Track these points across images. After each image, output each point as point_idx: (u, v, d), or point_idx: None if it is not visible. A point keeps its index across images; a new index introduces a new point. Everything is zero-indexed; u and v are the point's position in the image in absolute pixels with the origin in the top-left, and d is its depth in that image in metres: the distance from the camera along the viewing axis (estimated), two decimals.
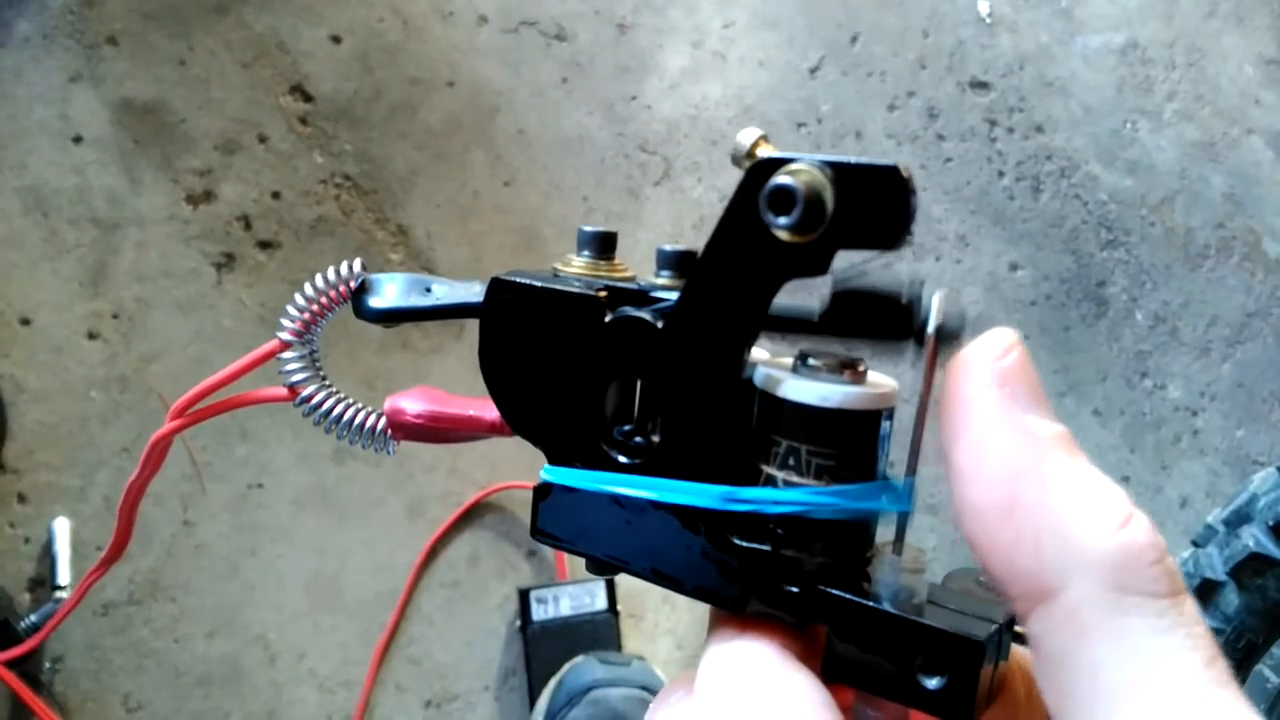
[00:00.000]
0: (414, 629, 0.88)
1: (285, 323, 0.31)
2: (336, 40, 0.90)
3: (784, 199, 0.23)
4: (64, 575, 0.81)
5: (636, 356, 0.26)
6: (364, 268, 0.30)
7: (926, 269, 1.01)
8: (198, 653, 0.84)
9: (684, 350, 0.25)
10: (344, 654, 0.86)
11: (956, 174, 1.02)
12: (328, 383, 0.31)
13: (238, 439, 0.85)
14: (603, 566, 0.27)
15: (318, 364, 0.31)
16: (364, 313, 0.31)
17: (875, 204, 0.22)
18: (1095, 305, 1.04)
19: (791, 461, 0.25)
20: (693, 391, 0.25)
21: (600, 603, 0.87)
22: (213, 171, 0.87)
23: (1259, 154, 1.08)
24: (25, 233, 0.83)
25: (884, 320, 0.25)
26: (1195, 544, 0.86)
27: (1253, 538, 0.81)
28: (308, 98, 0.89)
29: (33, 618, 0.78)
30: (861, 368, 0.25)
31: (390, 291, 0.30)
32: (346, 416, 0.31)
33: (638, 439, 0.27)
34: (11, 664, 0.74)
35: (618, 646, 0.87)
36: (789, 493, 0.24)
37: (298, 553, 0.86)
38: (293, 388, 0.31)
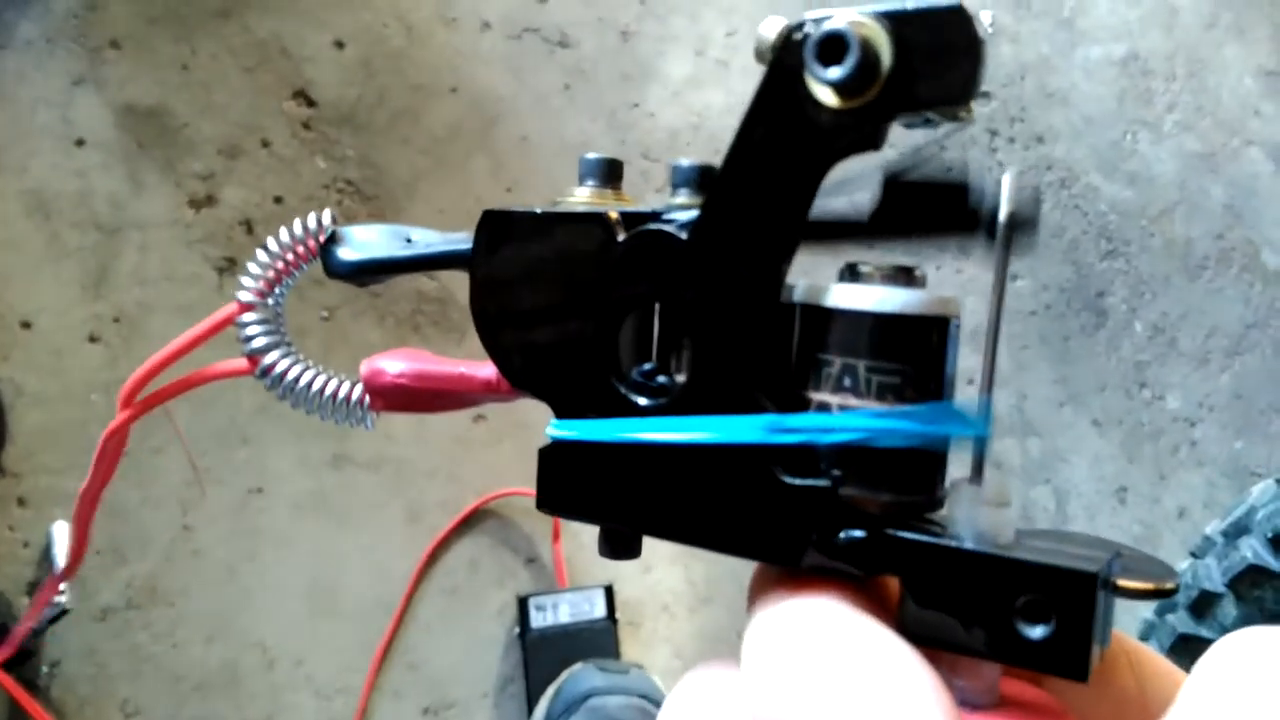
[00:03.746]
0: (412, 636, 0.88)
1: (246, 282, 0.27)
2: (340, 46, 0.90)
3: (835, 46, 0.19)
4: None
5: (657, 279, 0.22)
6: (334, 220, 0.27)
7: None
8: (196, 658, 0.84)
9: (714, 262, 0.22)
10: (342, 660, 0.86)
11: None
12: (294, 349, 0.28)
13: (238, 444, 0.85)
14: (619, 544, 0.24)
15: (282, 329, 0.28)
16: (334, 267, 0.27)
17: (938, 52, 0.19)
18: (1095, 315, 1.04)
19: (847, 382, 0.21)
20: (726, 311, 0.22)
21: (599, 610, 0.87)
22: (215, 176, 0.87)
23: (1259, 165, 1.08)
24: (27, 236, 0.83)
25: (946, 212, 0.22)
26: (1193, 555, 0.86)
27: (1251, 549, 0.81)
28: (311, 103, 0.89)
29: (30, 622, 0.78)
30: (919, 273, 0.22)
31: (364, 243, 0.27)
32: (316, 386, 0.27)
33: (660, 378, 0.23)
34: (7, 668, 0.74)
35: (616, 654, 0.87)
36: (848, 417, 0.21)
37: (297, 558, 0.86)
38: (253, 356, 0.27)
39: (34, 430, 0.83)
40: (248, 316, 0.27)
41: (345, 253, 0.27)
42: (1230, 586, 0.81)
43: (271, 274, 0.27)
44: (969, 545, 0.20)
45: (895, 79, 0.20)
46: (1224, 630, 0.82)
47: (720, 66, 0.98)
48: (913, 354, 0.21)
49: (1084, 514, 1.02)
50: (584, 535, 0.91)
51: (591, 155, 0.26)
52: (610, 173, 0.26)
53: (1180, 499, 1.03)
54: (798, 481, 0.21)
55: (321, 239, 0.27)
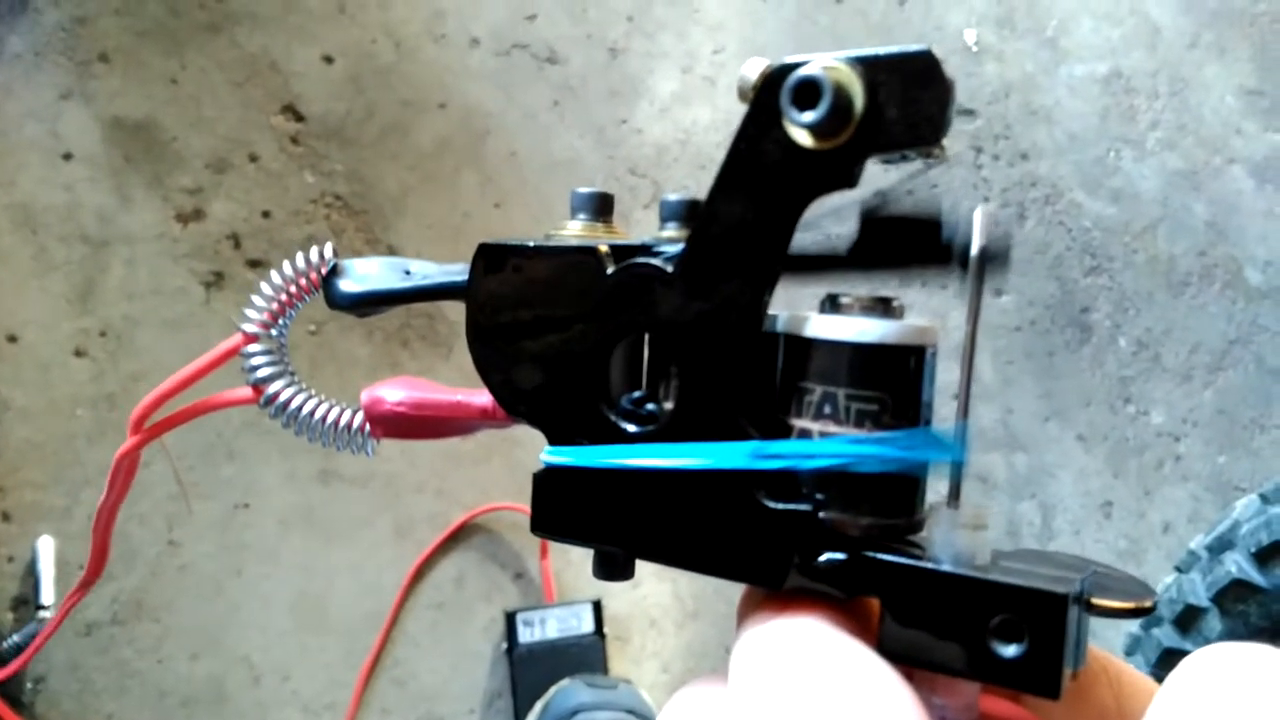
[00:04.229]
0: (400, 651, 0.88)
1: (250, 314, 0.28)
2: (329, 61, 0.90)
3: (809, 92, 0.21)
4: (47, 595, 0.80)
5: (646, 310, 0.23)
6: (335, 253, 0.28)
7: (910, 297, 1.02)
8: (181, 673, 0.84)
9: (699, 294, 0.22)
10: (329, 675, 0.86)
11: (942, 200, 1.03)
12: (297, 379, 0.29)
13: (224, 459, 0.85)
14: (613, 566, 0.25)
15: (286, 360, 0.29)
16: (336, 299, 0.28)
17: (908, 96, 0.20)
18: (1079, 331, 1.05)
19: (827, 409, 0.22)
20: (711, 340, 0.22)
21: (587, 625, 0.87)
22: (203, 190, 0.87)
23: (1240, 183, 1.09)
24: (14, 249, 0.83)
25: (920, 246, 0.23)
26: (1178, 570, 0.87)
27: (1235, 564, 0.81)
28: (299, 117, 0.89)
29: (15, 637, 0.77)
30: (896, 304, 0.23)
31: (365, 275, 0.28)
32: (319, 415, 0.28)
33: (649, 406, 0.24)
34: None
35: (604, 670, 0.87)
36: (829, 444, 0.21)
37: (283, 573, 0.86)
38: (257, 386, 0.28)
39: (19, 445, 0.82)
40: (253, 348, 0.28)
41: (346, 285, 0.28)
42: (1215, 601, 0.82)
43: (275, 306, 0.28)
44: (946, 567, 0.21)
45: (868, 121, 0.21)
46: (1208, 644, 0.83)
47: (707, 83, 0.99)
48: (890, 382, 0.22)
49: (1069, 529, 1.02)
50: (572, 550, 0.91)
51: (583, 190, 0.27)
52: (601, 206, 0.27)
53: (1165, 514, 1.04)
54: (780, 505, 0.22)
55: (324, 272, 0.28)
